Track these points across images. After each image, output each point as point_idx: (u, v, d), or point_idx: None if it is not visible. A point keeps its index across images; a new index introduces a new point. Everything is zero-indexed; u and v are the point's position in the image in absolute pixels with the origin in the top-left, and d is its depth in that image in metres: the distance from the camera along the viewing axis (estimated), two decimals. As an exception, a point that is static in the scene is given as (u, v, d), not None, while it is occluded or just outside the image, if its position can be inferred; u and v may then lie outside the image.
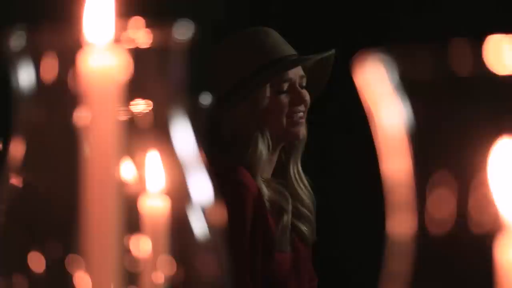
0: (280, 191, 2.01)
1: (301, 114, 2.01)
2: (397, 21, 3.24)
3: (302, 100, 2.00)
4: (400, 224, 0.57)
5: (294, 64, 2.00)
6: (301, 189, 2.05)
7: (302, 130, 2.01)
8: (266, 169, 2.01)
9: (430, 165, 0.57)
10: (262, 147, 1.98)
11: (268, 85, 1.99)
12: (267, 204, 1.96)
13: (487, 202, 0.56)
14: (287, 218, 1.98)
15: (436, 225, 0.57)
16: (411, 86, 0.57)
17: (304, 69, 2.04)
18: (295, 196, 2.04)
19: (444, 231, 0.56)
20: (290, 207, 2.00)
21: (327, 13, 3.39)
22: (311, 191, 2.07)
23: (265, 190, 1.98)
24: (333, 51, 2.03)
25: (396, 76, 0.57)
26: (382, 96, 0.57)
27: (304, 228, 2.04)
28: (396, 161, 0.57)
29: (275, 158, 2.04)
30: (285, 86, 1.99)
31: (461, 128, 0.57)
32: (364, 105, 0.59)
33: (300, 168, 2.07)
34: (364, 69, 0.58)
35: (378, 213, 0.69)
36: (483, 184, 0.56)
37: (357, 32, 3.19)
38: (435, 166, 0.57)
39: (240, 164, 1.96)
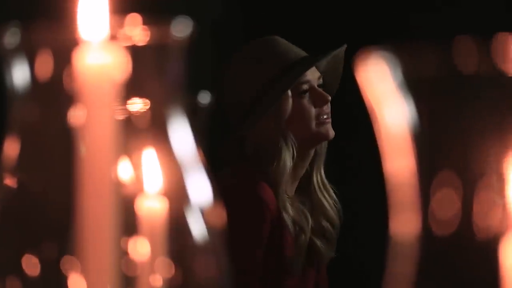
0: (302, 210, 2.00)
1: (326, 115, 2.01)
2: (400, 18, 3.24)
3: (324, 100, 1.99)
4: (404, 224, 0.57)
5: (314, 62, 1.99)
6: (326, 199, 2.04)
7: (331, 130, 2.01)
8: (289, 184, 2.00)
9: (434, 164, 0.57)
10: (287, 157, 1.96)
11: (289, 91, 1.97)
12: (289, 223, 1.95)
13: (492, 203, 0.56)
14: (304, 238, 1.97)
15: (440, 226, 0.57)
16: (415, 85, 0.57)
17: (318, 69, 2.03)
18: (319, 208, 2.02)
19: (448, 232, 0.56)
20: (309, 228, 1.98)
21: (328, 11, 3.39)
22: (337, 200, 2.06)
23: (289, 209, 1.97)
24: (344, 46, 2.02)
25: (400, 74, 0.57)
26: (385, 95, 0.57)
27: (321, 244, 2.03)
28: (399, 161, 0.57)
29: (301, 173, 2.02)
30: (305, 87, 1.99)
31: (466, 127, 0.57)
32: (367, 104, 0.59)
33: (324, 177, 2.06)
34: (367, 67, 0.58)
35: (381, 213, 0.69)
36: (489, 184, 0.56)
37: (358, 29, 3.19)
38: (439, 166, 0.57)
39: (263, 179, 1.95)
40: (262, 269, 1.91)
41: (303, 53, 2.02)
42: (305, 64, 1.99)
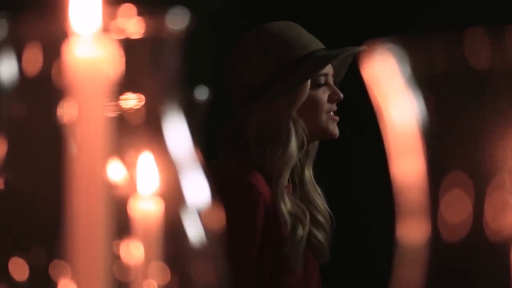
0: (297, 203, 2.02)
1: (334, 112, 2.04)
2: (409, 9, 3.24)
3: (338, 97, 2.03)
4: (412, 228, 0.57)
5: (345, 51, 2.02)
6: (317, 196, 2.07)
7: (337, 128, 2.04)
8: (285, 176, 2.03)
9: (444, 165, 0.57)
10: (294, 146, 1.99)
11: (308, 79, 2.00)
12: (287, 217, 1.97)
13: (505, 205, 0.56)
14: (302, 232, 1.98)
15: (450, 229, 0.57)
16: (424, 80, 0.57)
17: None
18: (312, 204, 2.05)
19: (458, 236, 0.56)
20: (307, 221, 2.00)
21: (331, 2, 3.39)
22: (325, 201, 2.09)
23: (287, 201, 1.98)
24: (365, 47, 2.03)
25: (408, 69, 0.57)
26: (393, 91, 0.57)
27: (320, 236, 2.05)
28: (407, 161, 0.57)
29: (293, 163, 2.05)
30: (323, 79, 2.02)
31: (478, 125, 0.57)
32: (373, 100, 0.59)
33: (312, 176, 2.09)
34: (373, 61, 0.58)
35: (388, 218, 0.69)
36: (501, 184, 0.56)
37: (364, 21, 3.19)
38: (449, 166, 0.57)
39: (258, 169, 1.96)
40: (258, 265, 1.92)
41: (321, 44, 2.05)
42: (334, 53, 2.01)
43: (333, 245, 2.10)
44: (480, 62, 0.55)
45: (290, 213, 1.98)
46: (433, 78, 0.57)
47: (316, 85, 2.02)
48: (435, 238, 0.57)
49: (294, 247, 1.96)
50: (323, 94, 2.03)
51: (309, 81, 2.00)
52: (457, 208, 0.56)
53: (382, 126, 0.59)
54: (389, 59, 0.57)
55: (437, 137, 0.57)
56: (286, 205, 1.98)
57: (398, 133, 0.58)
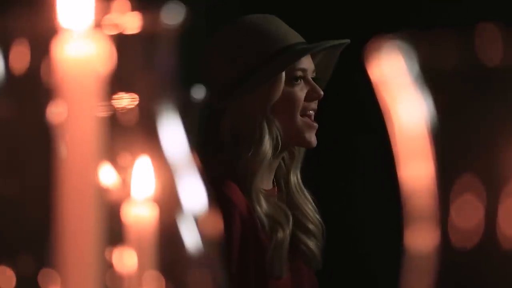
0: (279, 206, 2.02)
1: (313, 112, 2.03)
2: (417, 4, 3.24)
3: (317, 94, 2.02)
4: (421, 236, 0.57)
5: (321, 46, 2.02)
6: (305, 203, 2.07)
7: (314, 137, 2.03)
8: (265, 178, 2.03)
9: (455, 168, 0.57)
10: (267, 145, 1.99)
11: (283, 74, 2.00)
12: (264, 219, 1.97)
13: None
14: (282, 235, 1.98)
15: (461, 237, 0.57)
16: (433, 78, 0.57)
17: (313, 62, 2.07)
18: (300, 210, 2.05)
19: (470, 244, 0.57)
20: (289, 224, 2.00)
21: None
22: (315, 207, 2.09)
23: (263, 202, 1.99)
24: (348, 41, 2.05)
25: (416, 67, 0.57)
26: (400, 90, 0.58)
27: (311, 243, 2.05)
28: (416, 165, 0.57)
29: (275, 166, 2.05)
30: (299, 73, 2.02)
31: (489, 126, 0.57)
32: (379, 100, 0.59)
33: (299, 179, 2.09)
34: (379, 59, 0.58)
35: (396, 224, 0.69)
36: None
37: (369, 15, 3.19)
38: (460, 169, 0.57)
39: (233, 175, 1.96)
40: (243, 275, 1.93)
41: (300, 38, 2.06)
42: (310, 46, 2.02)
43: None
44: (492, 59, 0.55)
45: (268, 216, 1.98)
46: (443, 76, 0.57)
47: (292, 81, 2.01)
48: (445, 245, 0.57)
49: (276, 251, 1.97)
50: (301, 92, 2.02)
51: (283, 76, 2.00)
52: (468, 214, 0.56)
53: (389, 127, 0.59)
54: (397, 56, 0.57)
55: (447, 138, 0.57)
56: (262, 207, 1.98)
57: (407, 134, 0.58)
